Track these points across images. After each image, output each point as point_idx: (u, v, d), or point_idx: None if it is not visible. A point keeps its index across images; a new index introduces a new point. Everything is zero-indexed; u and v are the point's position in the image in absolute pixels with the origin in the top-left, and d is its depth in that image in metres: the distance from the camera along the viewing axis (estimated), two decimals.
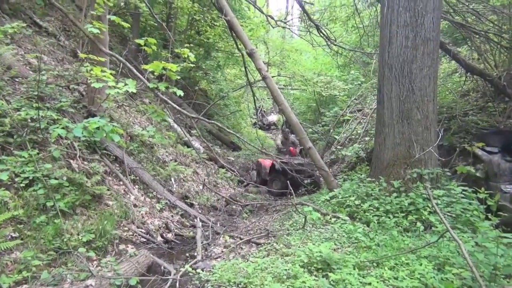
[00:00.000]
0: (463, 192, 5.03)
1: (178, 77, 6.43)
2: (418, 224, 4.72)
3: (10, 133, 5.13)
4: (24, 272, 3.81)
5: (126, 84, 5.09)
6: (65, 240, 4.47)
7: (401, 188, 5.45)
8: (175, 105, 6.04)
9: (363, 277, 3.54)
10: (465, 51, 10.12)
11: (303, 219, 5.32)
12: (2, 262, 3.84)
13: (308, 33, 12.04)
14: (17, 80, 6.29)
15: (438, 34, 5.86)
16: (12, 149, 4.99)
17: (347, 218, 5.30)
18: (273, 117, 25.33)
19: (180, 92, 5.60)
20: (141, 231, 5.82)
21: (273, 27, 12.43)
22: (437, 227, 4.54)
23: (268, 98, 25.90)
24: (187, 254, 5.49)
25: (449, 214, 4.74)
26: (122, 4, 10.67)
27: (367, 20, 12.17)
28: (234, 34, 8.05)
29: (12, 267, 3.90)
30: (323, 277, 3.61)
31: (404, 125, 5.73)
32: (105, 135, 4.54)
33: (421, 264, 3.70)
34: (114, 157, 6.83)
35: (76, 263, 4.27)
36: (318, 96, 16.47)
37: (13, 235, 4.20)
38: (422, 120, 5.67)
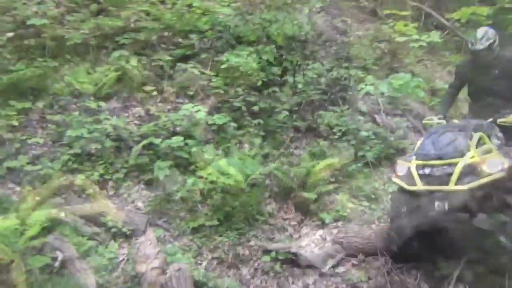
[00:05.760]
0: None
1: (490, 22, 5.74)
2: None
3: (325, 91, 5.85)
4: (340, 211, 4.40)
5: (429, 36, 4.97)
6: (371, 189, 4.84)
7: None
8: None
9: None
10: None
11: None
12: (323, 202, 4.53)
13: None
14: (327, 43, 7.02)
15: None
16: (326, 105, 5.70)
17: None
18: None
19: None
20: None
21: None
22: None
23: None
24: None
25: None
26: None
27: None
28: None
29: (331, 206, 4.54)
30: None
31: None
32: (409, 90, 4.61)
33: None
34: (417, 113, 6.78)
35: None
36: None
37: (331, 179, 4.84)
38: None
